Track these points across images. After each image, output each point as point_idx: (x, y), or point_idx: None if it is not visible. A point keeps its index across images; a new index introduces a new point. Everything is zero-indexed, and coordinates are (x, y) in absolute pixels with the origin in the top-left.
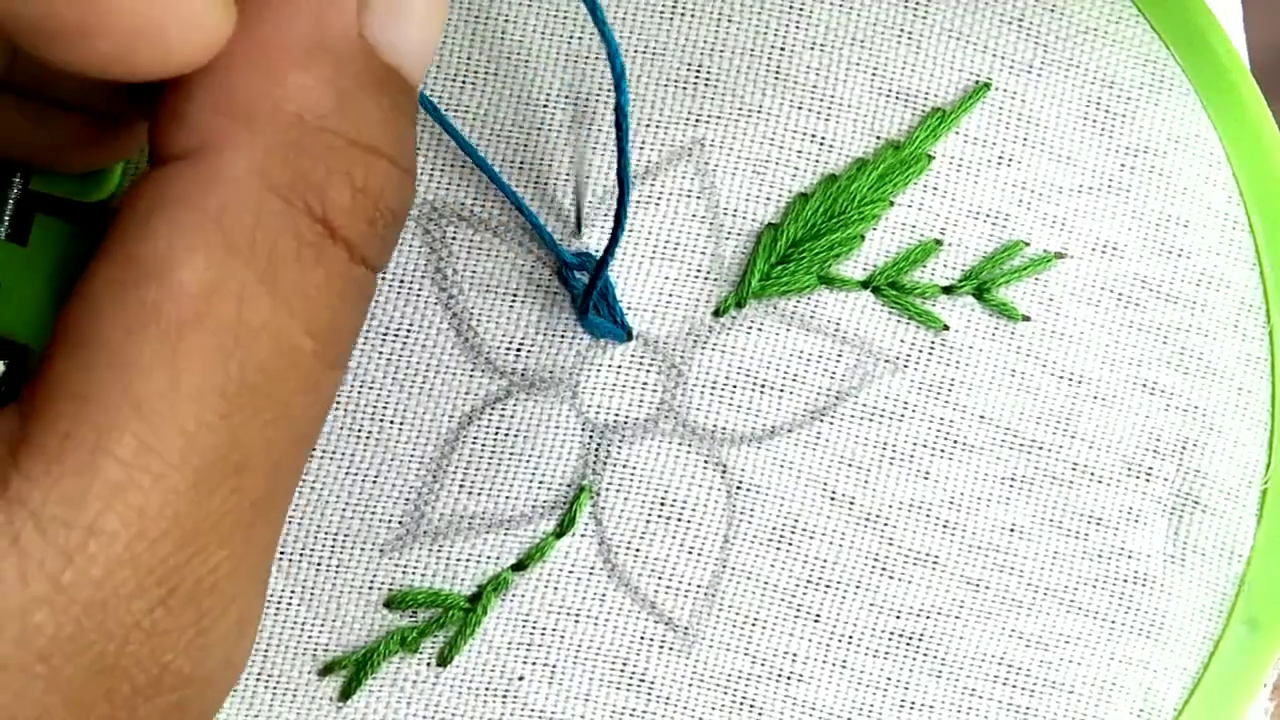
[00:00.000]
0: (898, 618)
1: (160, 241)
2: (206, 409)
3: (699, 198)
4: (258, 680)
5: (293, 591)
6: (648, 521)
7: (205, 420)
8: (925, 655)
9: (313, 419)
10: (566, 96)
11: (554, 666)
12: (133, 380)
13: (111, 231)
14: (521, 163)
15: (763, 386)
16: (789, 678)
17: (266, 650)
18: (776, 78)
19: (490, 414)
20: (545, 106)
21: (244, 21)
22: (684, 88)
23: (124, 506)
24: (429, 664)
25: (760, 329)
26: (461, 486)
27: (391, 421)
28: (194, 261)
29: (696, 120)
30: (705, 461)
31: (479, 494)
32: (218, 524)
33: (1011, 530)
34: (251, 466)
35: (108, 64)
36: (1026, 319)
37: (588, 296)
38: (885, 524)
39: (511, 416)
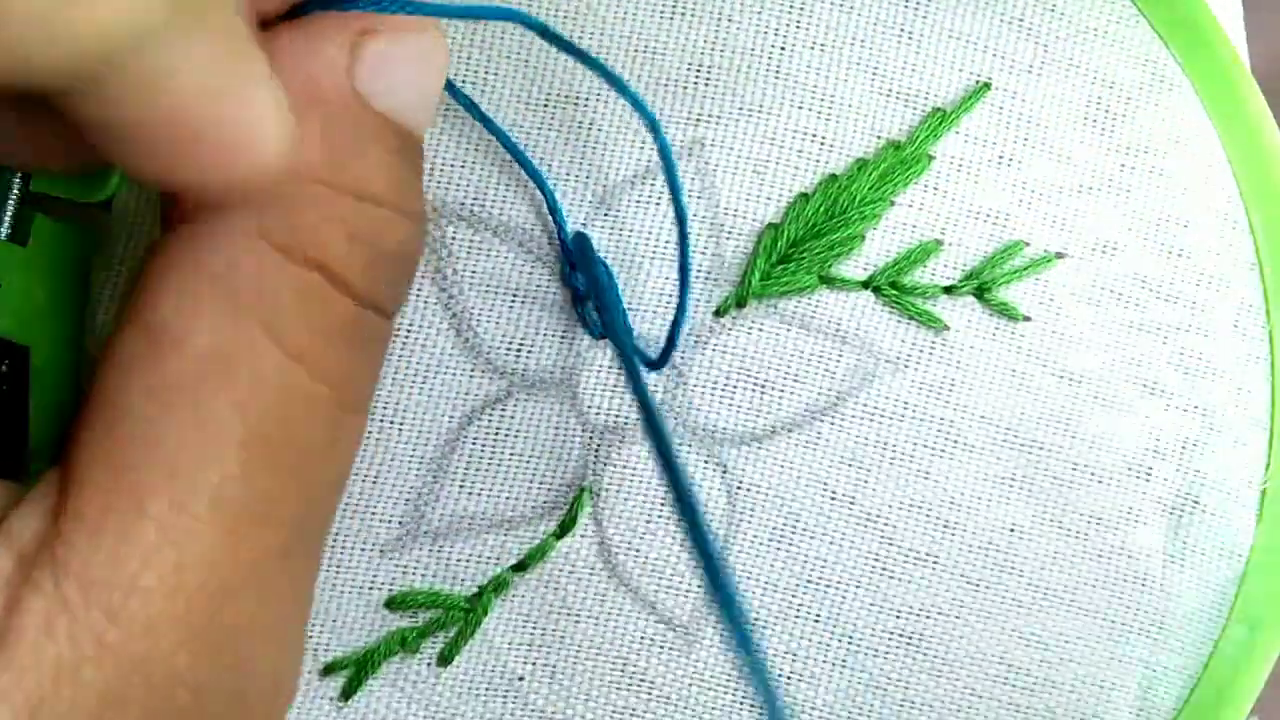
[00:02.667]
0: (898, 617)
1: (170, 308)
2: (230, 463)
3: (699, 198)
4: None
5: None
6: (648, 522)
7: (229, 473)
8: (925, 655)
9: (337, 463)
10: (566, 97)
11: (554, 667)
12: (161, 446)
13: (129, 298)
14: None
15: (763, 386)
16: (789, 677)
17: None
18: (777, 77)
19: (490, 414)
20: (545, 107)
21: None
22: (684, 87)
23: (160, 564)
24: (429, 664)
25: (761, 329)
26: (461, 487)
27: (391, 422)
28: (202, 325)
29: (697, 120)
30: (705, 462)
31: (479, 494)
32: (250, 572)
33: (1012, 530)
34: (278, 514)
35: (179, 180)
36: (1027, 319)
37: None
38: (885, 524)
39: (511, 417)
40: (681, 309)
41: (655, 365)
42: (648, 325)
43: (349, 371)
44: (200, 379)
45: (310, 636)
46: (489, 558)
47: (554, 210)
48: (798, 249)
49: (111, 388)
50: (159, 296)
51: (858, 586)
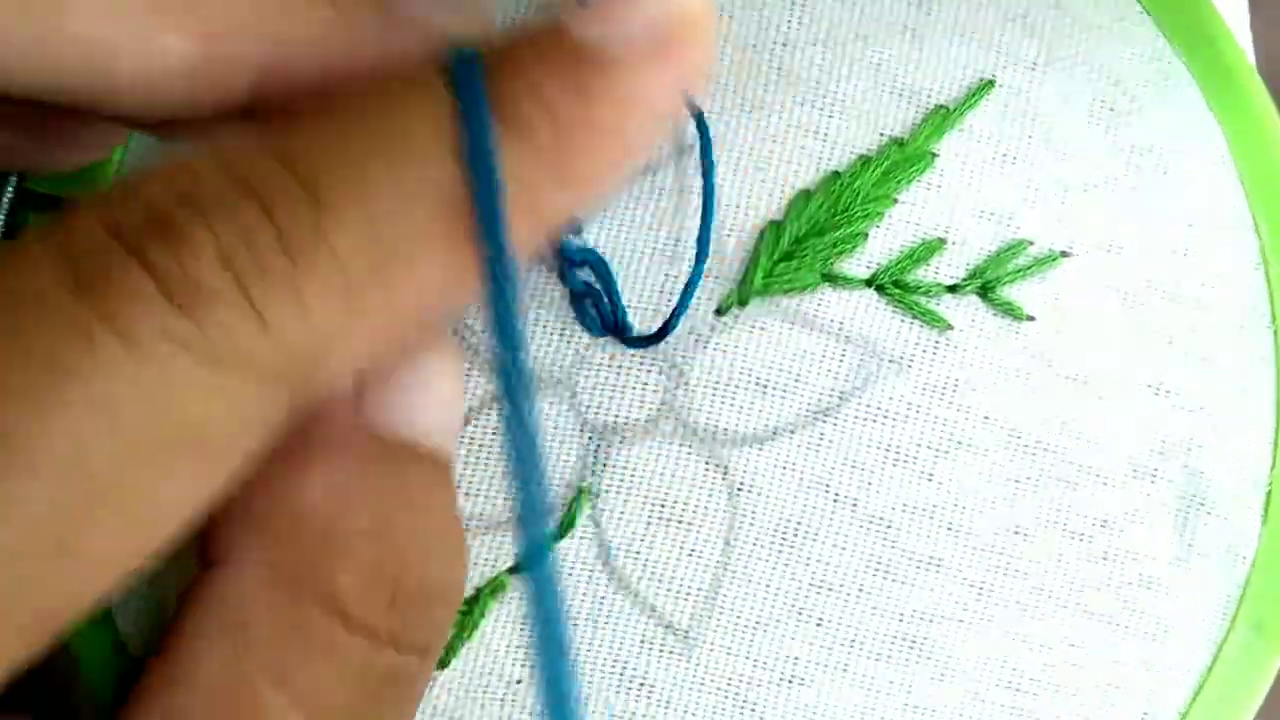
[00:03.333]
0: (901, 621)
1: (185, 644)
2: None
3: (700, 195)
4: None
5: None
6: (648, 524)
7: None
8: (928, 658)
9: None
10: None
11: None
12: None
13: (164, 632)
14: None
15: (765, 387)
16: (790, 681)
17: None
18: (779, 74)
19: (489, 414)
20: None
21: None
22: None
23: None
24: None
25: (763, 328)
26: (459, 488)
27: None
28: (211, 665)
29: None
30: (706, 463)
31: (476, 495)
32: None
33: (1016, 532)
34: None
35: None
36: (1031, 319)
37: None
38: (889, 526)
39: None
40: (692, 286)
41: (656, 339)
42: (647, 323)
43: (367, 714)
44: (206, 717)
45: None
46: (486, 559)
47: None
48: (800, 246)
49: (134, 711)
50: (181, 632)
51: (860, 589)
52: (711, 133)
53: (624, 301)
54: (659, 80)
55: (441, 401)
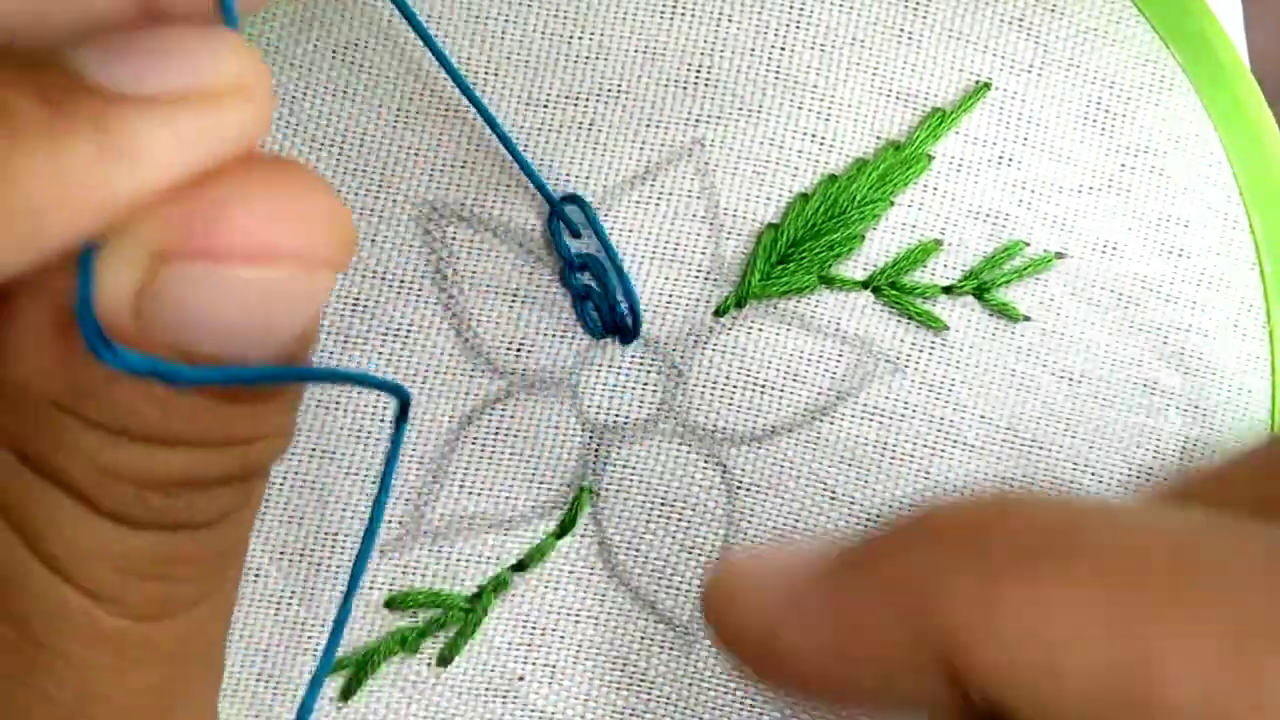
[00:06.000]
0: None
1: None
2: None
3: (699, 198)
4: (258, 680)
5: (292, 592)
6: (648, 522)
7: None
8: None
9: (125, 677)
10: (567, 97)
11: (554, 667)
12: None
13: None
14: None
15: (763, 386)
16: None
17: (266, 650)
18: (777, 78)
19: (490, 414)
20: (545, 107)
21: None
22: (684, 87)
23: None
24: (429, 664)
25: (761, 329)
26: (461, 487)
27: (392, 422)
28: None
29: (697, 120)
30: (705, 461)
31: (479, 494)
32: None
33: None
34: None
35: None
36: (1027, 319)
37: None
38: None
39: (511, 417)
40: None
41: (630, 335)
42: (647, 324)
43: (136, 590)
44: None
45: (310, 637)
46: (489, 557)
47: (554, 208)
48: (797, 249)
49: None
50: None
51: None
52: (710, 137)
53: (629, 302)
54: (165, 129)
55: (256, 320)
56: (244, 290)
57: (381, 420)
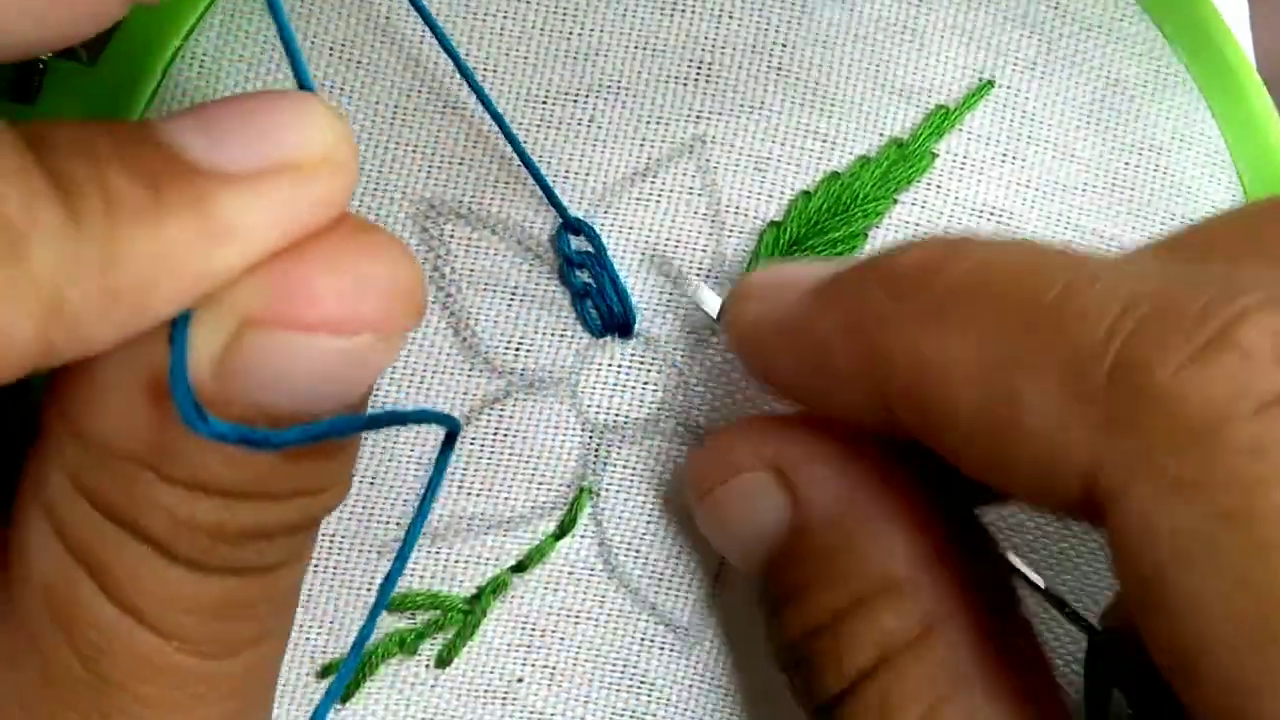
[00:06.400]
0: None
1: (20, 533)
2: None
3: (701, 195)
4: None
5: None
6: (648, 522)
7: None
8: None
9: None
10: (567, 94)
11: (554, 668)
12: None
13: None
14: (521, 161)
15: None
16: None
17: None
18: (779, 74)
19: (489, 414)
20: (545, 103)
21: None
22: (686, 84)
23: None
24: (428, 666)
25: None
26: (460, 487)
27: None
28: (41, 555)
29: (698, 117)
30: None
31: (478, 495)
32: None
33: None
34: None
35: None
36: None
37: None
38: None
39: (511, 417)
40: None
41: (626, 331)
42: (647, 323)
43: (204, 630)
44: (41, 614)
45: (309, 638)
46: (488, 558)
47: (557, 207)
48: (800, 247)
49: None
50: (19, 502)
51: None
52: (712, 134)
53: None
54: (259, 205)
55: (332, 386)
56: (326, 357)
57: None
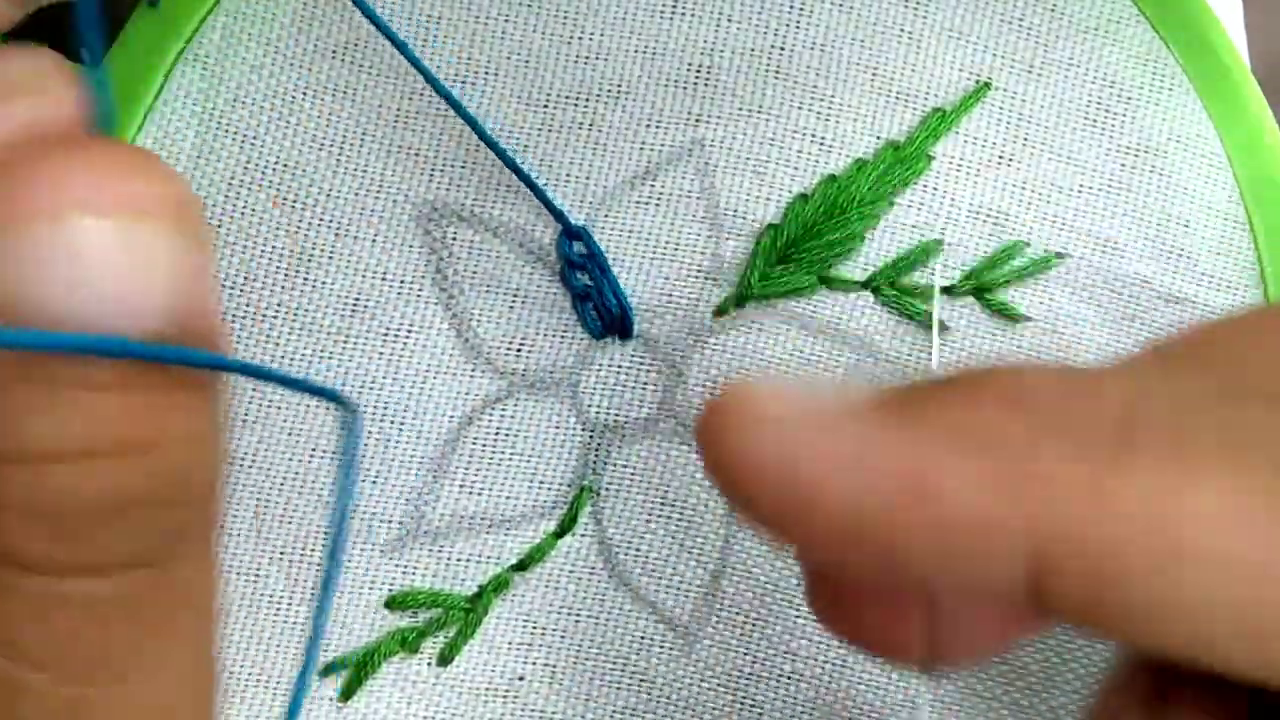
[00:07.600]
0: None
1: None
2: None
3: (699, 198)
4: (258, 680)
5: (292, 592)
6: (648, 521)
7: None
8: None
9: None
10: (567, 97)
11: (555, 666)
12: None
13: None
14: (522, 163)
15: None
16: (790, 677)
17: (266, 650)
18: (777, 78)
19: (490, 414)
20: (545, 107)
21: None
22: (684, 88)
23: None
24: (429, 664)
25: (760, 329)
26: (462, 486)
27: (391, 422)
28: None
29: (697, 120)
30: None
31: (479, 494)
32: None
33: None
34: None
35: None
36: (1027, 319)
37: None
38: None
39: (511, 416)
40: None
41: (625, 333)
42: (648, 325)
43: (97, 644)
44: None
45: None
46: (489, 557)
47: (555, 214)
48: (797, 249)
49: None
50: None
51: None
52: (710, 137)
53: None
54: None
55: (129, 284)
56: (67, 246)
57: (381, 420)
